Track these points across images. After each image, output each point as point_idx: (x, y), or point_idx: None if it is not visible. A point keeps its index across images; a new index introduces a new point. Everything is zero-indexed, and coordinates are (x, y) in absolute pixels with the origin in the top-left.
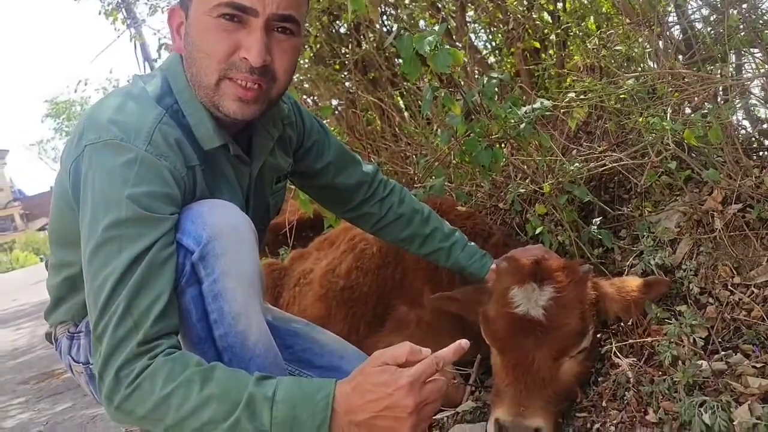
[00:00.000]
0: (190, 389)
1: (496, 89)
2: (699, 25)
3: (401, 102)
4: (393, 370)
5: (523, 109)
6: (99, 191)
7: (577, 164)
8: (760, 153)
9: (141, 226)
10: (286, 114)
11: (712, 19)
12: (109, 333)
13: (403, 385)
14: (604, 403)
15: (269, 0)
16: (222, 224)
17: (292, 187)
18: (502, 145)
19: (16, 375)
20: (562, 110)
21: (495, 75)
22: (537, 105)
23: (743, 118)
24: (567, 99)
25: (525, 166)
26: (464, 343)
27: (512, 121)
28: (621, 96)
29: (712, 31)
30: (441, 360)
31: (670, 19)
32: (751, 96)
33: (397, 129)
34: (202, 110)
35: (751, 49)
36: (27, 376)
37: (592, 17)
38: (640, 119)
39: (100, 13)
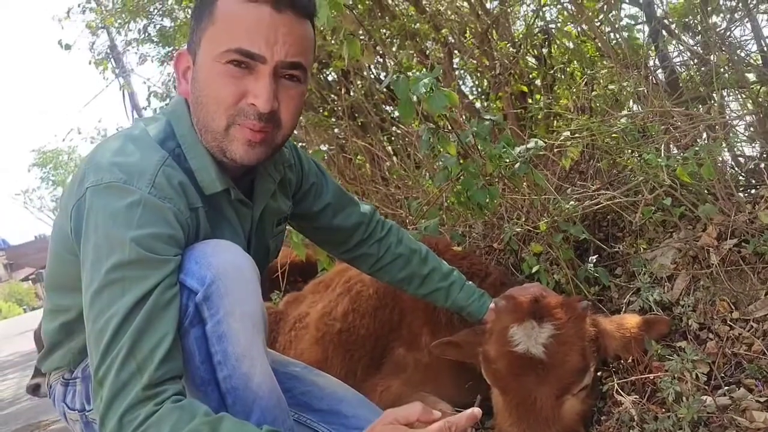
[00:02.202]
0: None
1: (490, 131)
2: (681, 68)
3: (389, 147)
4: (404, 430)
5: (517, 149)
6: (102, 233)
7: (572, 202)
8: (750, 191)
9: (145, 268)
10: (286, 157)
11: (693, 63)
12: (111, 376)
13: None
14: None
15: (278, 47)
16: (226, 264)
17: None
18: (498, 185)
19: (1, 427)
20: (555, 149)
21: (488, 117)
22: (531, 144)
23: (730, 158)
24: (561, 138)
25: (519, 206)
26: (477, 411)
27: (507, 160)
28: (613, 135)
29: (698, 73)
30: (453, 425)
31: (652, 62)
32: (738, 134)
33: (387, 173)
34: (206, 155)
35: (736, 90)
36: (13, 428)
37: (576, 62)
38: (632, 158)
39: (90, 63)
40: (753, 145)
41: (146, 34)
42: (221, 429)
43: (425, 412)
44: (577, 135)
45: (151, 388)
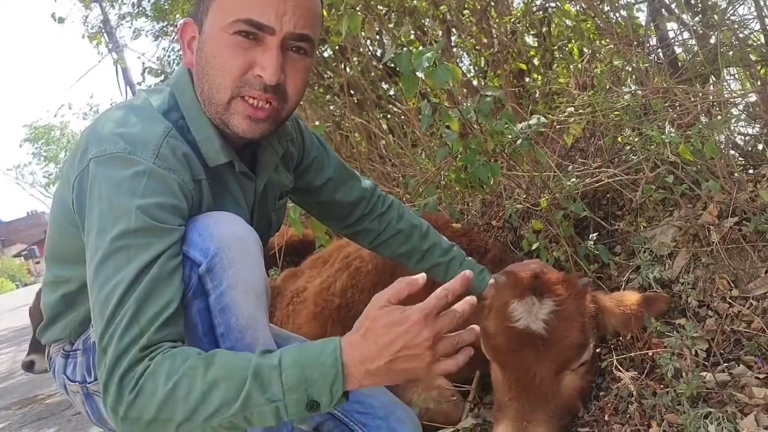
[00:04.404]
0: (194, 377)
1: (491, 107)
2: (681, 48)
3: (385, 125)
4: (402, 308)
5: (519, 125)
6: (107, 203)
7: (573, 180)
8: (749, 171)
9: (150, 236)
10: (288, 131)
11: (692, 43)
12: (114, 342)
13: (418, 319)
14: (606, 418)
15: (287, 18)
16: (229, 236)
17: None
18: (498, 161)
19: None
20: (557, 126)
21: (489, 93)
22: (533, 121)
23: (726, 139)
24: (565, 114)
25: (519, 183)
26: (469, 273)
27: (509, 137)
28: (615, 112)
29: (700, 52)
30: (450, 291)
31: (653, 42)
32: (740, 113)
33: (384, 151)
34: (209, 126)
35: (740, 68)
36: (8, 402)
37: (575, 41)
38: (635, 135)
39: (83, 37)
40: (752, 125)
41: (140, 8)
42: (215, 361)
43: (410, 283)
44: (581, 111)
45: (148, 348)
